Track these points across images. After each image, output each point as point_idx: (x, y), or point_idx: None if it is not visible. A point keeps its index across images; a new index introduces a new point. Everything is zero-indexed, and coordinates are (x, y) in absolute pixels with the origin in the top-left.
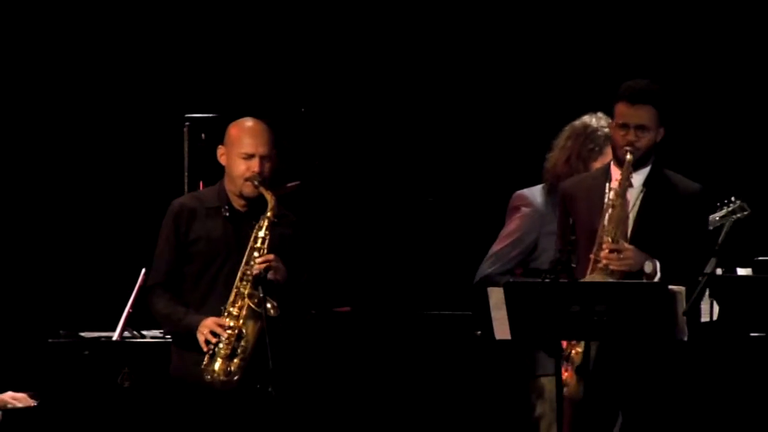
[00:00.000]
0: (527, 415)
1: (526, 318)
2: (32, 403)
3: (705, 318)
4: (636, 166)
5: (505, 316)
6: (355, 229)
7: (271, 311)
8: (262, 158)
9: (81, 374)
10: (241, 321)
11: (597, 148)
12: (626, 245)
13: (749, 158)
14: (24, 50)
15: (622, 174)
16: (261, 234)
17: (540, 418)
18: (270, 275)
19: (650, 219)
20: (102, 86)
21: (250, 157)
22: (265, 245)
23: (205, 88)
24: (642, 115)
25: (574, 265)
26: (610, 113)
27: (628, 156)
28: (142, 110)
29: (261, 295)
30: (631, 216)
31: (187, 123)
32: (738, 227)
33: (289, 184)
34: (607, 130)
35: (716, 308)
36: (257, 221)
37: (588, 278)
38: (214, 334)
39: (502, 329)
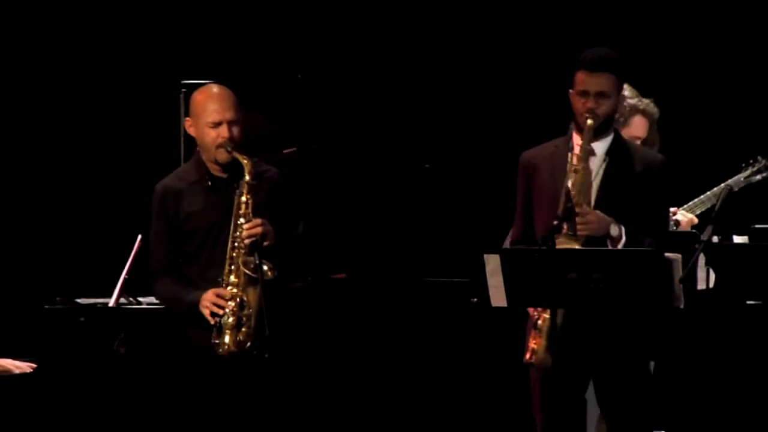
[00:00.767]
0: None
1: (523, 285)
2: (29, 369)
3: (701, 286)
4: (597, 133)
5: (502, 284)
6: (351, 195)
7: (269, 273)
8: (230, 123)
9: (77, 341)
10: (240, 289)
11: (622, 119)
12: (589, 209)
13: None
14: (16, 15)
15: (583, 139)
16: (243, 199)
17: None
18: (265, 242)
19: (614, 187)
20: (98, 53)
21: (218, 124)
22: (250, 209)
23: (201, 55)
24: (602, 82)
25: (570, 233)
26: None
27: (589, 121)
28: (137, 77)
29: (257, 261)
30: (595, 184)
31: (183, 89)
32: (763, 186)
33: (285, 151)
34: (633, 101)
35: (712, 276)
36: (239, 185)
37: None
38: (218, 307)
39: (498, 296)
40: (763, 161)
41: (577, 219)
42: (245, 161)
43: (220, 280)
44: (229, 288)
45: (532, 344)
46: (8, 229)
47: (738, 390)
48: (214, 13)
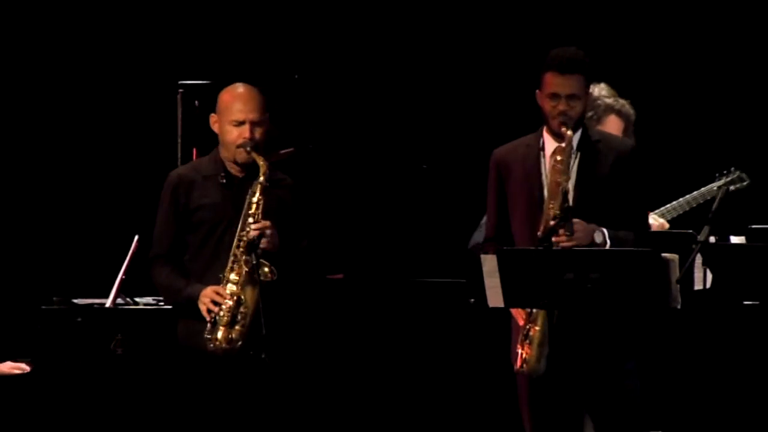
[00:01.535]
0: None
1: (520, 285)
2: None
3: (698, 286)
4: None
5: (499, 284)
6: (348, 195)
7: (269, 275)
8: (252, 124)
9: (74, 341)
10: (239, 287)
11: (596, 117)
12: (574, 220)
13: (746, 127)
14: (14, 16)
15: (564, 150)
16: (254, 199)
17: None
18: (263, 243)
19: (588, 184)
20: (95, 53)
21: (240, 123)
22: (260, 210)
23: (198, 55)
24: (573, 84)
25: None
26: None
27: (569, 132)
28: (135, 77)
29: (254, 261)
30: (570, 183)
31: (180, 90)
32: (735, 197)
33: (282, 151)
34: (608, 100)
35: (709, 276)
36: (252, 185)
37: None
38: (215, 303)
39: (495, 297)
40: (737, 173)
41: (560, 231)
42: (262, 162)
43: (220, 276)
44: (229, 285)
45: (523, 353)
46: (5, 230)
47: (735, 390)
48: (212, 13)
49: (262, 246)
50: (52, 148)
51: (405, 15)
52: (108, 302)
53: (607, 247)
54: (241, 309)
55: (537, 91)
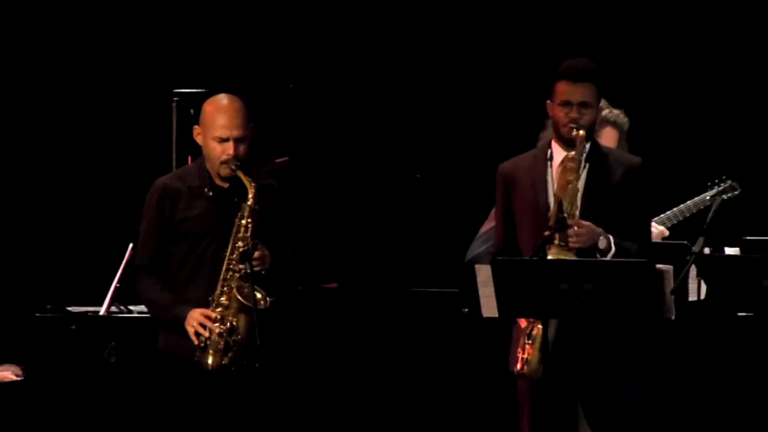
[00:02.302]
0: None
1: (514, 296)
2: (20, 374)
3: (692, 297)
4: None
5: (493, 294)
6: (343, 205)
7: (261, 303)
8: (236, 141)
9: (68, 349)
10: (232, 314)
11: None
12: (583, 222)
13: (740, 137)
14: (11, 25)
15: (576, 151)
16: (243, 222)
17: None
18: (255, 266)
19: (596, 194)
20: (90, 61)
21: (224, 140)
22: (249, 233)
23: (193, 63)
24: (584, 92)
25: (562, 244)
26: (606, 96)
27: (581, 132)
28: (130, 85)
29: (248, 271)
30: (578, 192)
31: (175, 98)
32: (727, 207)
33: (277, 160)
34: (603, 112)
35: (704, 287)
36: (240, 203)
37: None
38: (204, 327)
39: (489, 307)
40: (729, 182)
41: (569, 231)
42: (250, 184)
43: (210, 299)
44: (218, 309)
45: (524, 354)
46: (0, 238)
47: (730, 402)
48: (208, 22)
49: (255, 268)
50: (47, 156)
51: (400, 23)
52: (102, 310)
53: (611, 253)
54: (234, 337)
55: (548, 101)
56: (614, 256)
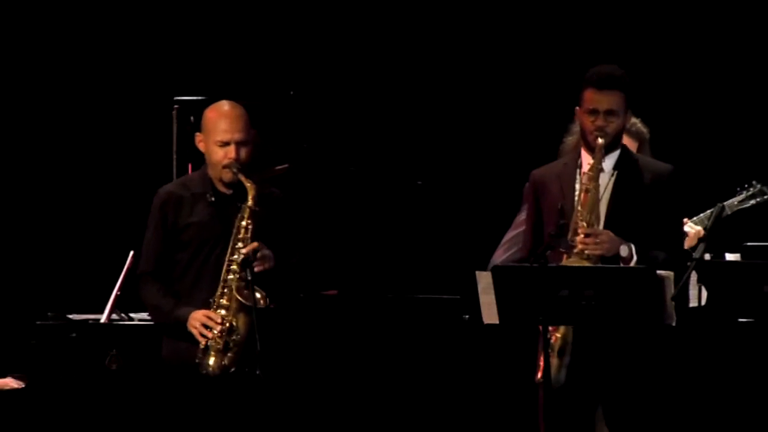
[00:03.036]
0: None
1: (514, 302)
2: (21, 384)
3: (693, 303)
4: (606, 150)
5: (494, 301)
6: (343, 212)
7: (261, 302)
8: (238, 144)
9: (69, 356)
10: (231, 313)
11: None
12: (601, 230)
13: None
14: (12, 33)
15: (594, 158)
16: (243, 224)
17: None
18: (256, 267)
19: (623, 202)
20: (90, 70)
21: (225, 144)
22: (249, 234)
23: (194, 71)
24: (611, 100)
25: (562, 250)
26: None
27: (600, 141)
28: (130, 93)
29: (249, 277)
30: (604, 200)
31: (176, 106)
32: (757, 211)
33: (277, 167)
34: None
35: (704, 293)
36: (241, 209)
37: (564, 263)
38: (206, 327)
39: (490, 313)
40: (759, 186)
41: (588, 240)
42: (250, 186)
43: (211, 301)
44: (219, 311)
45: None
46: (0, 245)
47: (730, 408)
48: (208, 30)
49: (256, 269)
50: (47, 164)
51: (401, 30)
52: (103, 318)
53: (634, 261)
54: (234, 336)
55: (576, 108)
56: (637, 263)
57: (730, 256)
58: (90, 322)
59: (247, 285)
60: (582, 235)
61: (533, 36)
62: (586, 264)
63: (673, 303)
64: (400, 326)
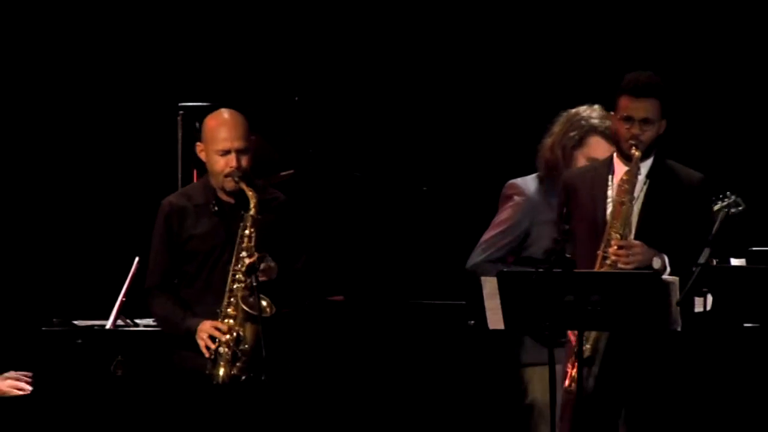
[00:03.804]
0: (519, 404)
1: (520, 308)
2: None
3: (698, 308)
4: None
5: (499, 306)
6: (348, 218)
7: (267, 310)
8: (238, 152)
9: (74, 362)
10: (238, 323)
11: (577, 137)
12: (635, 242)
13: (744, 150)
14: (16, 37)
15: (630, 170)
16: (246, 233)
17: (532, 407)
18: (261, 277)
19: (655, 210)
20: (95, 75)
21: (226, 153)
22: (252, 243)
23: (198, 77)
24: (647, 108)
25: (568, 255)
26: (608, 104)
27: (636, 153)
28: (135, 99)
29: (254, 284)
30: (636, 208)
31: (180, 112)
32: (732, 222)
33: (282, 173)
34: (594, 121)
35: (710, 299)
36: (243, 218)
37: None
38: (212, 338)
39: (495, 319)
40: (732, 197)
41: (622, 252)
42: (251, 194)
43: (218, 311)
44: (226, 321)
45: (573, 371)
46: (6, 250)
47: (736, 412)
48: (213, 35)
49: (261, 278)
50: (52, 170)
51: (405, 36)
52: (108, 324)
53: (667, 272)
54: (242, 346)
55: (611, 113)
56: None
57: (735, 261)
58: (95, 328)
59: (252, 292)
60: (615, 247)
61: (541, 44)
62: None
63: (679, 308)
64: (405, 332)
